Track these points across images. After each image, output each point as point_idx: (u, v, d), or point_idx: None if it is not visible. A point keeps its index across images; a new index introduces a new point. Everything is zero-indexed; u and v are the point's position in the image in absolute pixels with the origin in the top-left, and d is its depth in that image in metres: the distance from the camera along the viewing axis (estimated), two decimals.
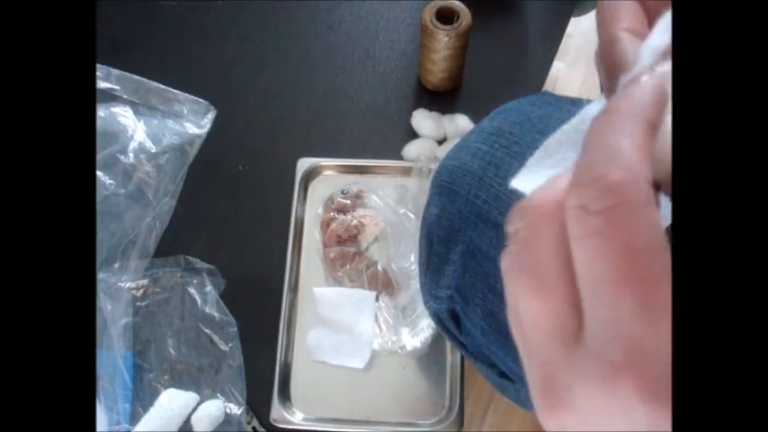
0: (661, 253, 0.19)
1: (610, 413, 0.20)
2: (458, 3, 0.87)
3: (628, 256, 0.19)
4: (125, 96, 0.93)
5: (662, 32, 0.23)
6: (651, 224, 0.19)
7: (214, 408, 0.77)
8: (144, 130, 0.90)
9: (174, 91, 0.93)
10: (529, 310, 0.22)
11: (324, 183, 0.92)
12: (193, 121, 0.92)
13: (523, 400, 0.56)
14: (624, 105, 0.21)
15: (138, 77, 0.93)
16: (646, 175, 0.20)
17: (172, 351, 0.82)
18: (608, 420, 0.20)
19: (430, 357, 0.80)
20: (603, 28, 0.27)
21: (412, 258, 0.84)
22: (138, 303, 0.84)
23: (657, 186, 0.22)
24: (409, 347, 0.80)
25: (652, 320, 0.19)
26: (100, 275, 0.83)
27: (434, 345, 0.80)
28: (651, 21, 0.27)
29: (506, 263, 0.23)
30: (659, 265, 0.19)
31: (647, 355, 0.19)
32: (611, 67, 0.26)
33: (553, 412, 0.21)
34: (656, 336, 0.19)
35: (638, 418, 0.19)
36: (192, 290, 0.84)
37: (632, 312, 0.19)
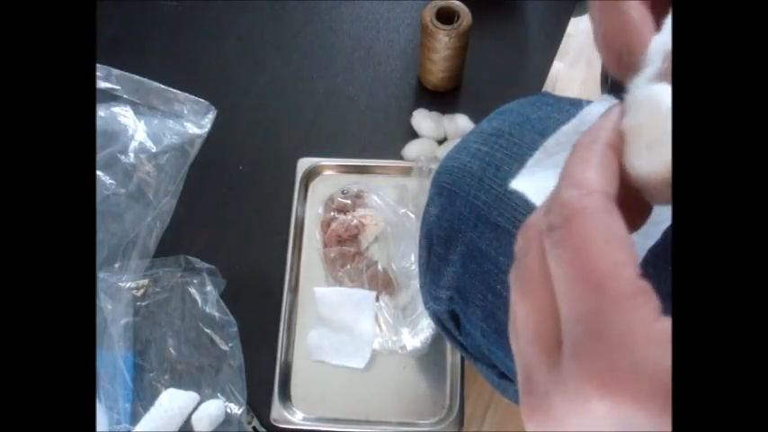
0: (616, 247, 0.21)
1: (582, 423, 0.21)
2: (458, 3, 0.87)
3: (580, 255, 0.21)
4: (125, 96, 0.93)
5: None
6: (605, 225, 0.21)
7: (214, 407, 0.77)
8: (144, 129, 0.90)
9: (175, 91, 0.93)
10: (519, 317, 0.24)
11: (324, 183, 0.92)
12: (194, 121, 0.92)
13: None
14: (583, 139, 0.24)
15: (138, 77, 0.93)
16: (600, 188, 0.22)
17: (172, 351, 0.82)
18: (582, 427, 0.21)
19: (430, 357, 0.80)
20: (608, 9, 0.27)
21: (412, 258, 0.84)
22: (138, 303, 0.84)
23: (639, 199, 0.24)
24: (409, 347, 0.80)
25: (614, 306, 0.20)
26: (100, 275, 0.83)
27: (434, 345, 0.80)
28: None
29: (510, 274, 0.25)
30: (612, 256, 0.21)
31: (613, 351, 0.19)
32: (624, 50, 0.26)
33: (532, 414, 0.23)
34: (618, 322, 0.20)
35: (609, 426, 0.20)
36: (192, 290, 0.84)
37: (589, 305, 0.20)
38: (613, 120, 0.24)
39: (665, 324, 0.20)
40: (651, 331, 0.19)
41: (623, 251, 0.21)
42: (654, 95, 0.22)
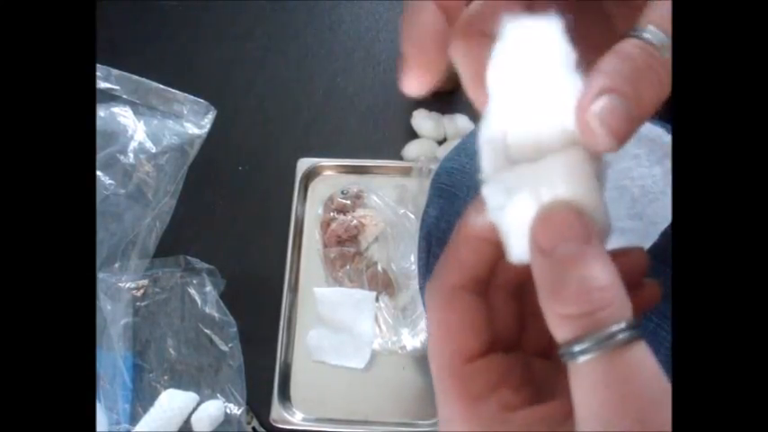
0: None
1: None
2: None
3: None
4: (125, 96, 0.93)
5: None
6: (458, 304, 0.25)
7: (214, 408, 0.77)
8: (144, 130, 0.90)
9: (174, 91, 0.93)
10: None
11: (324, 183, 0.92)
12: (193, 122, 0.92)
13: None
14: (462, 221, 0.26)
15: (137, 77, 0.93)
16: (452, 281, 0.25)
17: (172, 351, 0.82)
18: None
19: None
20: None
21: (412, 258, 0.84)
22: (138, 303, 0.84)
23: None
24: (409, 347, 0.80)
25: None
26: (100, 275, 0.83)
27: None
28: None
29: None
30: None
31: None
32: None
33: None
34: None
35: None
36: (191, 290, 0.84)
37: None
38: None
39: None
40: None
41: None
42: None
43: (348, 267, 0.84)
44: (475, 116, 0.94)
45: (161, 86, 0.93)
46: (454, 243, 0.26)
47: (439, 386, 0.24)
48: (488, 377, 0.23)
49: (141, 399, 0.79)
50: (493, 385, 0.23)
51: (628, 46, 0.21)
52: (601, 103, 0.21)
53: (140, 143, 0.89)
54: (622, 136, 0.21)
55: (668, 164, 0.50)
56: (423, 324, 0.80)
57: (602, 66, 0.21)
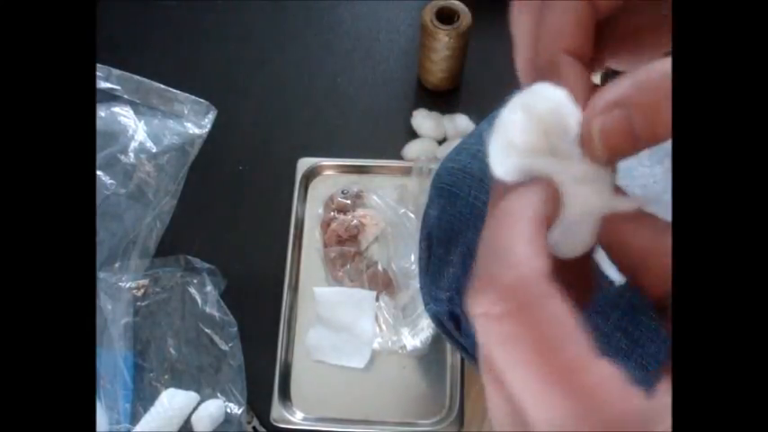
0: (573, 337, 0.19)
1: None
2: (458, 3, 0.87)
3: (542, 355, 0.19)
4: (125, 96, 0.93)
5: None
6: (555, 313, 0.19)
7: (214, 407, 0.78)
8: (144, 130, 0.90)
9: (175, 91, 0.94)
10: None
11: (324, 183, 0.92)
12: (194, 121, 0.92)
13: None
14: (514, 207, 0.21)
15: (138, 77, 0.94)
16: (540, 268, 0.19)
17: (172, 351, 0.82)
18: None
19: (430, 357, 0.80)
20: (545, 40, 0.25)
21: (412, 258, 0.84)
22: (138, 303, 0.84)
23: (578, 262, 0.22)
24: (409, 347, 0.80)
25: (588, 408, 0.18)
26: (100, 275, 0.83)
27: (434, 345, 0.80)
28: (602, 32, 0.26)
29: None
30: (574, 348, 0.19)
31: None
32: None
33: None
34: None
35: None
36: (192, 290, 0.84)
37: (565, 409, 0.18)
38: (550, 188, 0.22)
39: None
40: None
41: (579, 336, 0.19)
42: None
43: (348, 267, 0.84)
44: (475, 116, 0.95)
45: (162, 86, 0.93)
46: None
47: None
48: None
49: (142, 398, 0.79)
50: None
51: (656, 65, 0.21)
52: (606, 117, 0.21)
53: (141, 143, 0.89)
54: (619, 152, 0.21)
55: (668, 164, 0.50)
56: (423, 324, 0.80)
57: (623, 79, 0.21)
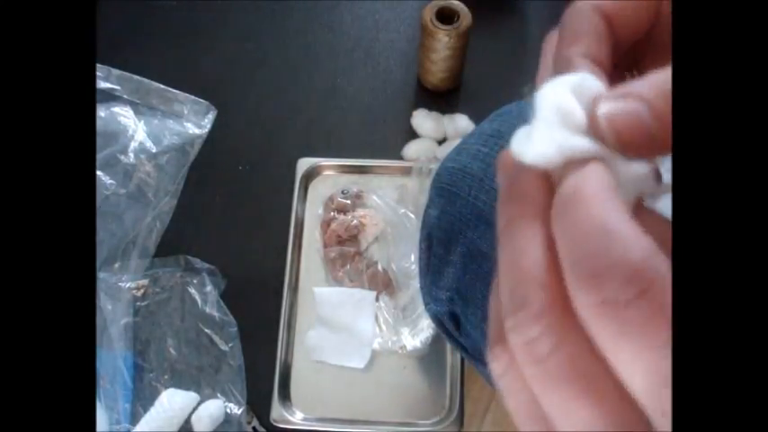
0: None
1: None
2: (458, 3, 0.87)
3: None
4: (125, 96, 0.93)
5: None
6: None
7: (214, 407, 0.77)
8: (144, 130, 0.90)
9: (175, 91, 0.94)
10: (578, 419, 0.19)
11: (324, 183, 0.92)
12: (194, 122, 0.92)
13: None
14: (589, 186, 0.20)
15: (138, 77, 0.94)
16: (653, 246, 0.19)
17: (172, 351, 0.82)
18: None
19: (430, 357, 0.80)
20: (559, 49, 0.25)
21: (412, 258, 0.84)
22: (138, 303, 0.84)
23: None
24: (409, 347, 0.80)
25: None
26: (100, 275, 0.83)
27: (434, 345, 0.80)
28: (618, 39, 0.26)
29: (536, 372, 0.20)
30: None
31: None
32: None
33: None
34: None
35: None
36: (192, 290, 0.84)
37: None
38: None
39: None
40: None
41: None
42: None
43: (348, 267, 0.84)
44: (475, 116, 0.95)
45: (161, 86, 0.93)
46: None
47: None
48: None
49: (141, 398, 0.79)
50: None
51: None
52: (613, 104, 0.21)
53: (141, 143, 0.89)
54: (628, 141, 0.21)
55: (669, 163, 0.50)
56: (423, 324, 0.80)
57: (641, 77, 0.21)
